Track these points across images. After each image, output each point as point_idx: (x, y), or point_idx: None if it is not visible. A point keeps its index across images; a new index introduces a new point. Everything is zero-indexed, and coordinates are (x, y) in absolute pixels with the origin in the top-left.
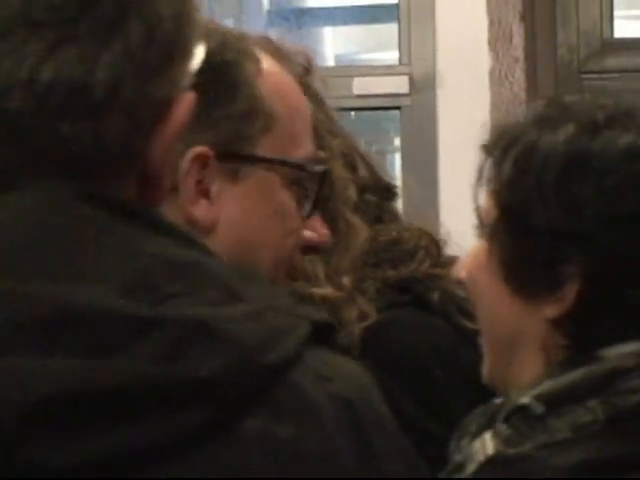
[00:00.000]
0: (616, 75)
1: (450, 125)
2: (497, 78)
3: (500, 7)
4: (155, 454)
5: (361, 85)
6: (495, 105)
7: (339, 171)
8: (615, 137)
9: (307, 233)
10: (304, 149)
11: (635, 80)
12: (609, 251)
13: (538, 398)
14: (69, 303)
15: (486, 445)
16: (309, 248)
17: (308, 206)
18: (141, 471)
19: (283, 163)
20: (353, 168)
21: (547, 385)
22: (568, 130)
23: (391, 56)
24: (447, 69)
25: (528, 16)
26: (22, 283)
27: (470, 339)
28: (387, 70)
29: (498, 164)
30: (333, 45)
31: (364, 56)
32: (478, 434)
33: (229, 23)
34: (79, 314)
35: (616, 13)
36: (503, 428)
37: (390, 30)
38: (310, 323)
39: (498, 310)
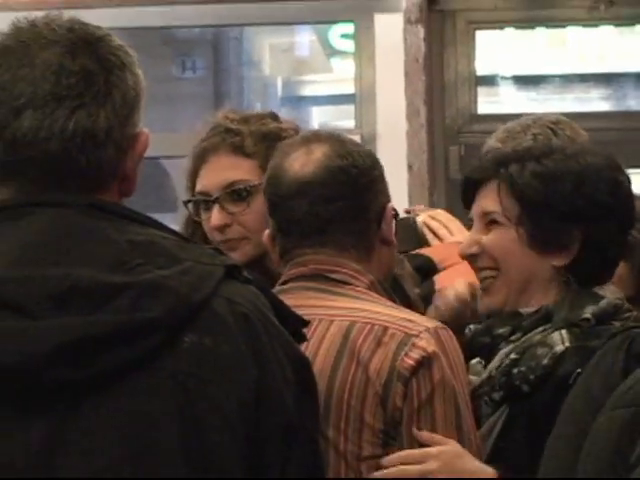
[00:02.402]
0: (479, 134)
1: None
2: (410, 136)
3: (413, 96)
4: (130, 365)
5: None
6: (410, 152)
7: None
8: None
9: None
10: None
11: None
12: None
13: (593, 315)
14: (73, 281)
15: (564, 338)
16: None
17: None
18: (128, 374)
19: None
20: None
21: (591, 309)
22: (555, 156)
23: (350, 123)
24: (383, 131)
25: (428, 100)
26: (44, 268)
27: None
28: (347, 131)
29: (518, 176)
30: (318, 117)
31: (336, 123)
32: (527, 332)
33: (257, 105)
34: (79, 287)
35: (479, 99)
36: (569, 331)
37: (350, 109)
38: (224, 267)
39: (520, 262)
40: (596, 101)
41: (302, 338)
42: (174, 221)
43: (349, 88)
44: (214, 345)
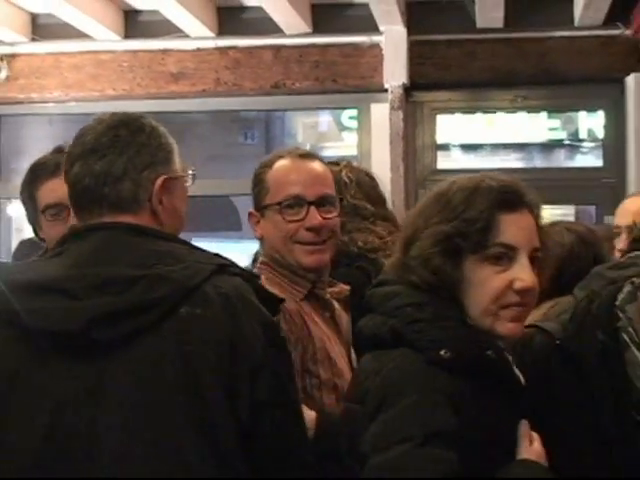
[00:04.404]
0: (438, 182)
1: None
2: (393, 183)
3: (395, 157)
4: (143, 329)
5: None
6: (393, 193)
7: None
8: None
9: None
10: (281, 194)
11: None
12: None
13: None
14: (106, 275)
15: None
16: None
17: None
18: (142, 335)
19: (270, 204)
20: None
21: None
22: None
23: None
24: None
25: (405, 160)
26: (91, 268)
27: None
28: None
29: None
30: None
31: None
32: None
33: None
34: (110, 279)
35: (438, 159)
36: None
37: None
38: (217, 265)
39: None
40: (514, 161)
41: (275, 312)
42: (238, 236)
43: (353, 151)
44: (201, 313)
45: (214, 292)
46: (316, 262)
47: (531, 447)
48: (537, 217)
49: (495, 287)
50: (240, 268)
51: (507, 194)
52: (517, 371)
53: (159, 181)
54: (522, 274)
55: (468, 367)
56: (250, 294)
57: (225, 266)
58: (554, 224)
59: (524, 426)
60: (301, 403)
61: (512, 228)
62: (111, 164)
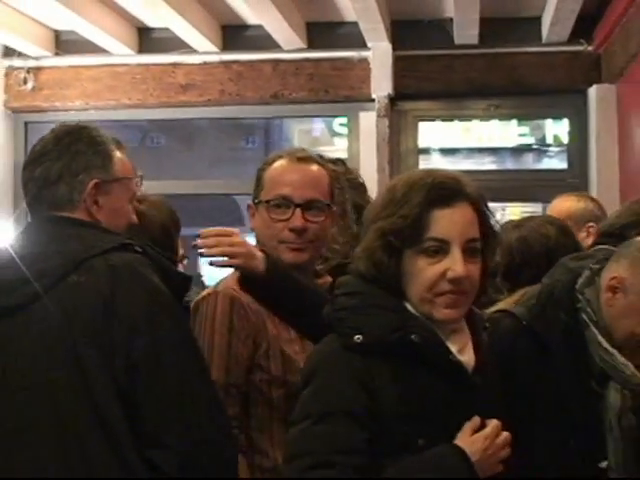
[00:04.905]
0: None
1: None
2: (380, 184)
3: (381, 160)
4: (40, 293)
5: None
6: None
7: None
8: None
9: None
10: (272, 193)
11: None
12: None
13: None
14: (15, 252)
15: None
16: (294, 229)
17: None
18: (38, 299)
19: (264, 200)
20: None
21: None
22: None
23: None
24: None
25: (390, 163)
26: (24, 249)
27: None
28: None
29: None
30: None
31: None
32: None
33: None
34: (21, 254)
35: (420, 162)
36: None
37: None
38: (118, 244)
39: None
40: (487, 164)
41: (185, 290)
42: (240, 231)
43: (343, 155)
44: (85, 280)
45: (104, 264)
46: (294, 259)
47: (470, 437)
48: (479, 209)
49: (429, 277)
50: (152, 249)
51: (441, 190)
52: (470, 354)
53: (91, 184)
54: (453, 265)
55: (388, 351)
56: (143, 267)
57: (129, 245)
58: (531, 218)
59: (474, 418)
60: (196, 371)
61: (444, 222)
62: (49, 170)
